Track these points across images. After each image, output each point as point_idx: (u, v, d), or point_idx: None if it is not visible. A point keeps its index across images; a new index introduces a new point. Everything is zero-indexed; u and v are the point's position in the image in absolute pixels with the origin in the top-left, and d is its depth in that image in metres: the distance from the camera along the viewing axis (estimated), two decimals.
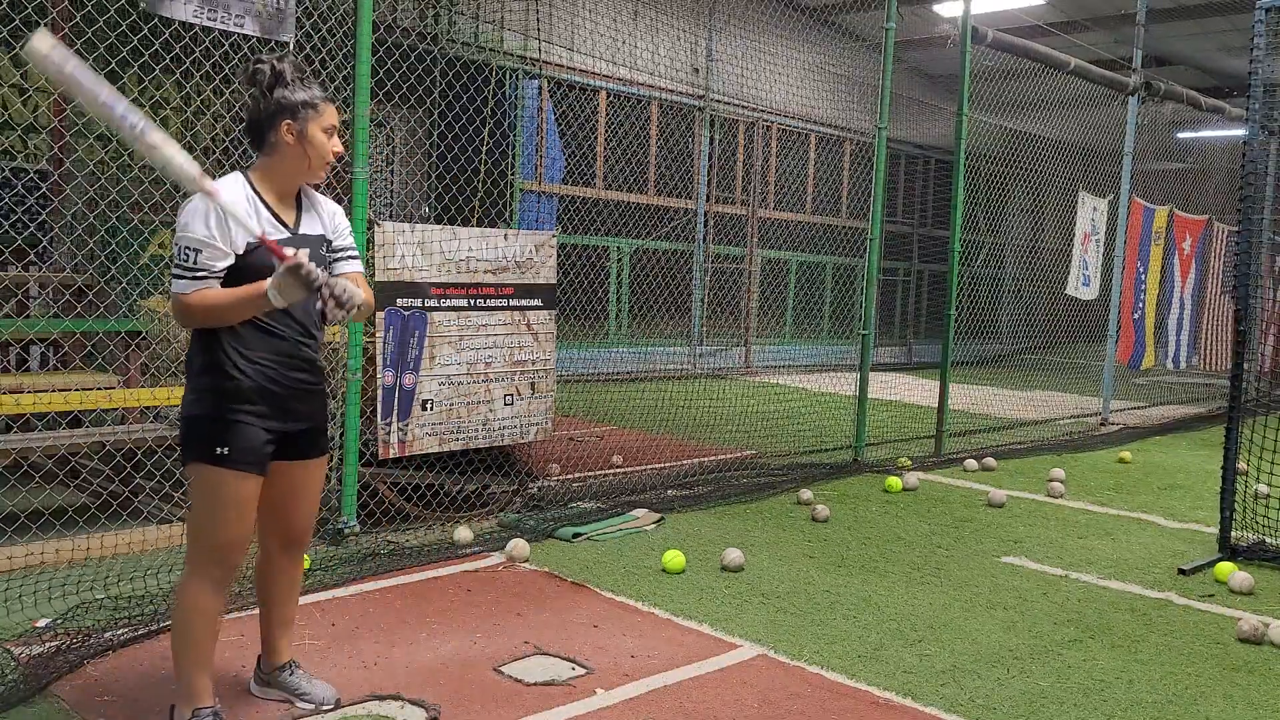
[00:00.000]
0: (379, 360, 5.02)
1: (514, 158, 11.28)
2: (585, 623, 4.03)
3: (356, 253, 3.12)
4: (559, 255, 5.91)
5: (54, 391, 5.20)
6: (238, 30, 4.53)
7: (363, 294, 2.83)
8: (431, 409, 5.22)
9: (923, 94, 16.33)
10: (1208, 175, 13.67)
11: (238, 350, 2.82)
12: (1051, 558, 5.30)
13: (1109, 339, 10.53)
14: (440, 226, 5.30)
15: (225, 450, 2.79)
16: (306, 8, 4.96)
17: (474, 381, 5.41)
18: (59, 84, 2.49)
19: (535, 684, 3.44)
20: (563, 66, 11.02)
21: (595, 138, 12.62)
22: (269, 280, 2.69)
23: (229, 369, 2.81)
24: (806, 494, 6.30)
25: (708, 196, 13.82)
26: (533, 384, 5.68)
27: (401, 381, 5.10)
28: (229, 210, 2.70)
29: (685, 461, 7.19)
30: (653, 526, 5.49)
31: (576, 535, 5.18)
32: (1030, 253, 14.45)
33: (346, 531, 4.88)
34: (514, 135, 11.25)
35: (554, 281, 5.77)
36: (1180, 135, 14.17)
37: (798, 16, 10.85)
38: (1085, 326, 11.76)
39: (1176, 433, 10.28)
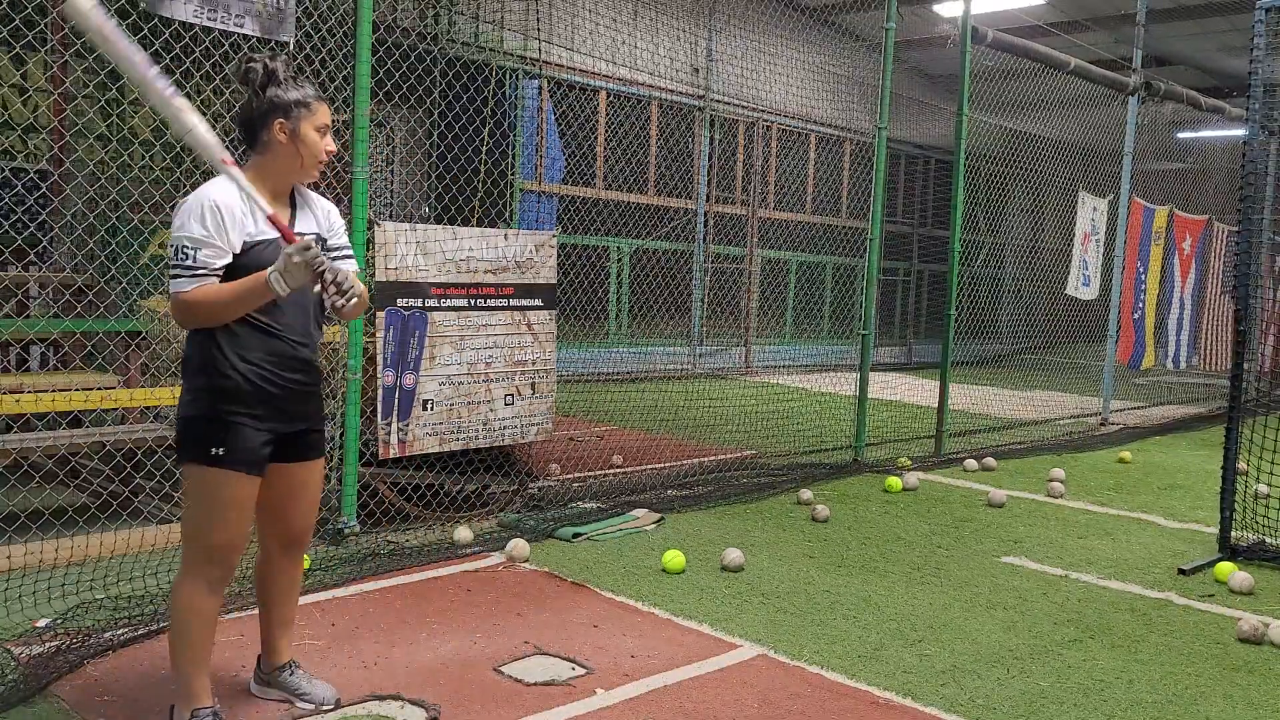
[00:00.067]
0: (379, 360, 5.02)
1: (514, 158, 11.28)
2: (585, 623, 4.03)
3: (351, 252, 3.14)
4: (559, 255, 5.91)
5: (54, 391, 5.20)
6: (238, 30, 4.53)
7: (361, 285, 2.86)
8: (432, 409, 5.22)
9: (923, 94, 16.34)
10: (1208, 175, 13.67)
11: (235, 351, 2.82)
12: (1051, 558, 5.30)
13: (1109, 339, 10.53)
14: (440, 226, 5.30)
15: (221, 451, 2.79)
16: (306, 8, 4.96)
17: (474, 381, 5.41)
18: (96, 41, 2.53)
19: (535, 684, 3.44)
20: (563, 66, 11.02)
21: (595, 138, 12.63)
22: (272, 267, 2.71)
23: (226, 370, 2.81)
24: (806, 494, 6.30)
25: (708, 196, 13.83)
26: (533, 384, 5.68)
27: (402, 381, 5.10)
28: (245, 189, 2.72)
29: (685, 461, 7.19)
30: (653, 526, 5.49)
31: (576, 535, 5.18)
32: (1030, 253, 14.45)
33: (346, 531, 4.88)
34: (514, 135, 11.25)
35: (554, 281, 5.77)
36: (1180, 135, 14.18)
37: (798, 16, 10.86)
38: (1085, 326, 11.76)
39: (1176, 433, 10.28)
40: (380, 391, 5.03)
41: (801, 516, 5.92)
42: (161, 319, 5.65)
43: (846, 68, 12.61)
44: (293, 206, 2.97)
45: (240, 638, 3.64)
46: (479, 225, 8.88)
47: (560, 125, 12.16)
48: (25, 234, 7.37)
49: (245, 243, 2.77)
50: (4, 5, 5.10)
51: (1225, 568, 5.03)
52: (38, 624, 3.66)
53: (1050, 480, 7.06)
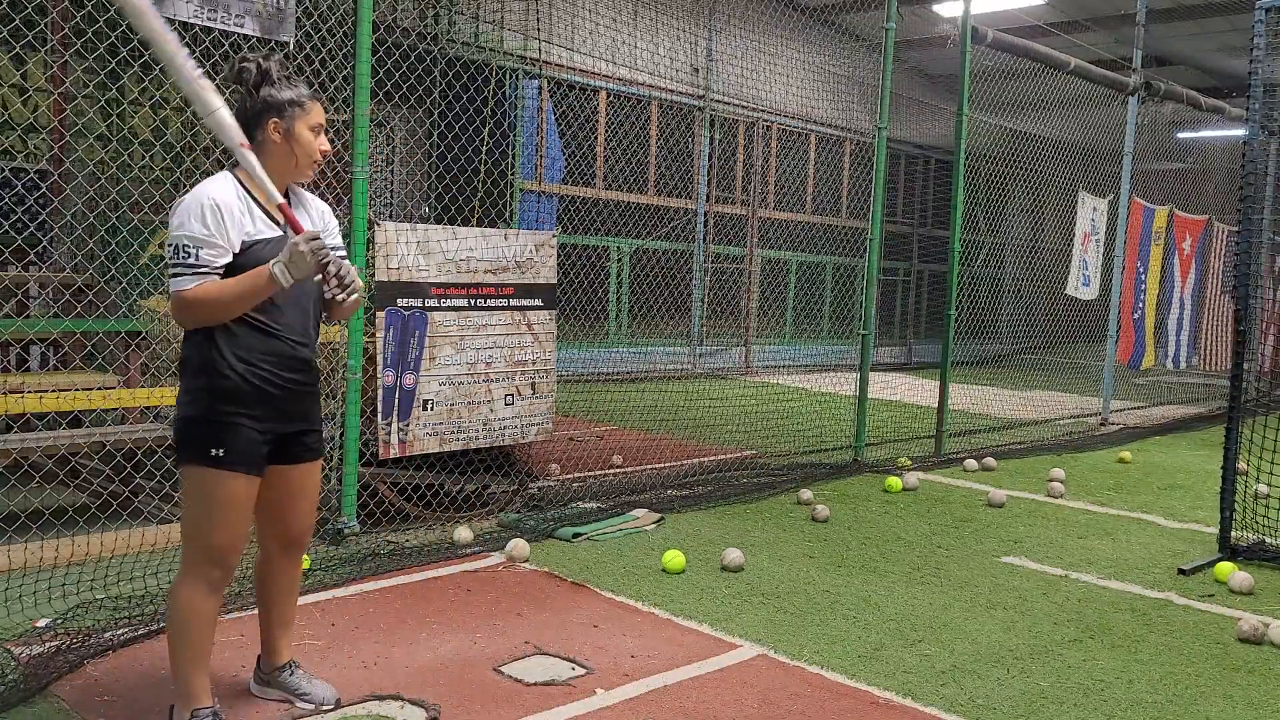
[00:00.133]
0: (379, 360, 5.02)
1: (514, 158, 11.28)
2: (585, 623, 4.03)
3: (345, 252, 3.15)
4: (559, 255, 5.91)
5: (54, 391, 5.20)
6: (238, 30, 4.53)
7: (360, 281, 2.90)
8: (432, 409, 5.22)
9: (923, 94, 16.33)
10: (1208, 175, 13.67)
11: (234, 351, 2.81)
12: (1051, 558, 5.30)
13: (1109, 339, 10.53)
14: (440, 226, 5.30)
15: (221, 452, 2.79)
16: (306, 8, 4.96)
17: (474, 381, 5.41)
18: (129, 13, 2.57)
19: (535, 684, 3.44)
20: (563, 66, 11.02)
21: (595, 138, 12.63)
22: (276, 258, 2.72)
23: (225, 370, 2.81)
24: (806, 494, 6.30)
25: (708, 196, 13.83)
26: (533, 384, 5.68)
27: (402, 381, 5.10)
28: (258, 175, 2.74)
29: (685, 461, 7.19)
30: (653, 526, 5.49)
31: (576, 535, 5.18)
32: (1030, 253, 14.45)
33: (346, 531, 4.88)
34: (514, 135, 11.25)
35: (554, 281, 5.77)
36: (1180, 135, 14.18)
37: (798, 16, 10.86)
38: (1085, 326, 11.76)
39: (1176, 433, 10.28)
40: (380, 391, 5.03)
41: (801, 516, 5.92)
42: (161, 319, 5.65)
43: (846, 68, 12.61)
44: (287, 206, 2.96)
45: (240, 638, 3.64)
46: (479, 225, 8.88)
47: (560, 125, 12.16)
48: (25, 234, 7.37)
49: (244, 242, 2.78)
50: (4, 5, 5.10)
51: (1225, 568, 5.03)
52: (38, 624, 3.66)
53: (1050, 480, 7.06)
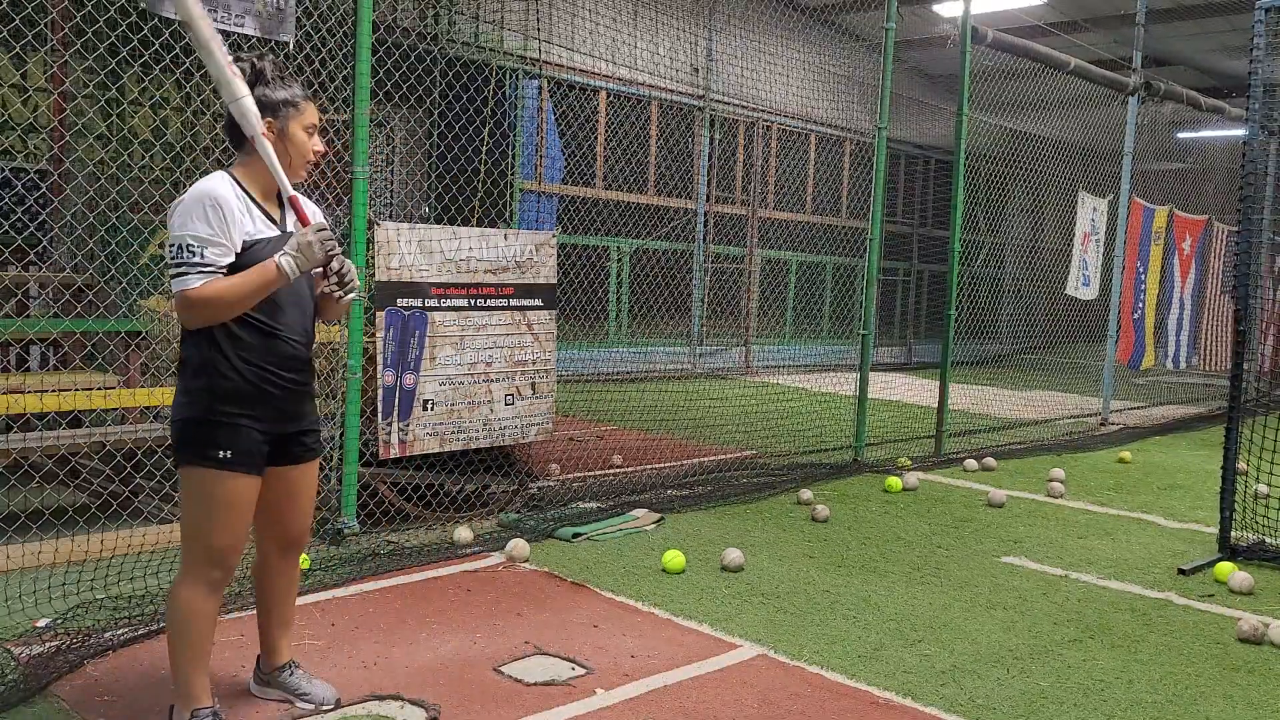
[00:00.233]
0: (379, 360, 5.02)
1: (514, 158, 11.28)
2: (585, 623, 4.03)
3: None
4: (559, 255, 5.91)
5: (54, 391, 5.20)
6: (238, 30, 4.53)
7: (358, 281, 2.95)
8: (432, 409, 5.22)
9: (923, 94, 16.33)
10: (1208, 175, 13.67)
11: (237, 352, 2.81)
12: (1051, 558, 5.30)
13: (1109, 339, 10.53)
14: (440, 226, 5.30)
15: (229, 454, 2.79)
16: (306, 8, 4.96)
17: (474, 381, 5.40)
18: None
19: (535, 684, 3.44)
20: (563, 66, 11.01)
21: (595, 138, 12.62)
22: (281, 251, 2.75)
23: (227, 371, 2.81)
24: (806, 494, 6.30)
25: (708, 196, 13.83)
26: (533, 384, 5.68)
27: (402, 381, 5.10)
28: (272, 165, 2.77)
29: (685, 461, 7.19)
30: (653, 526, 5.49)
31: (576, 535, 5.18)
32: (1030, 253, 14.45)
33: (346, 531, 4.88)
34: (514, 135, 11.25)
35: (554, 281, 5.77)
36: (1180, 135, 14.18)
37: (798, 16, 10.86)
38: (1085, 326, 11.76)
39: (1176, 433, 10.29)
40: (380, 391, 5.03)
41: (801, 516, 5.92)
42: (161, 319, 5.65)
43: (846, 68, 12.61)
44: (281, 206, 2.97)
45: (240, 638, 3.64)
46: (479, 225, 8.88)
47: (560, 125, 12.15)
48: (25, 234, 7.37)
49: (245, 242, 2.78)
50: (4, 5, 5.10)
51: (1225, 568, 5.03)
52: (38, 624, 3.66)
53: (1050, 480, 7.06)
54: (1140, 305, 10.96)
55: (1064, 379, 12.28)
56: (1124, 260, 10.47)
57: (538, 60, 10.42)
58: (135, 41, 4.48)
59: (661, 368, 12.35)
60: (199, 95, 6.64)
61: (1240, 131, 8.03)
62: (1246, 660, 3.98)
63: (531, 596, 4.31)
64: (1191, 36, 15.98)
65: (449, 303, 5.28)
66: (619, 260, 12.84)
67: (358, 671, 3.46)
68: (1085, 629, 4.24)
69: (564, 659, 3.66)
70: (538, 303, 5.68)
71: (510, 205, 11.19)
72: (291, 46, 4.75)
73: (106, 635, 3.59)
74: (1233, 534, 5.46)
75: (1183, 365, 12.19)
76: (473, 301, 5.39)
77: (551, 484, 6.19)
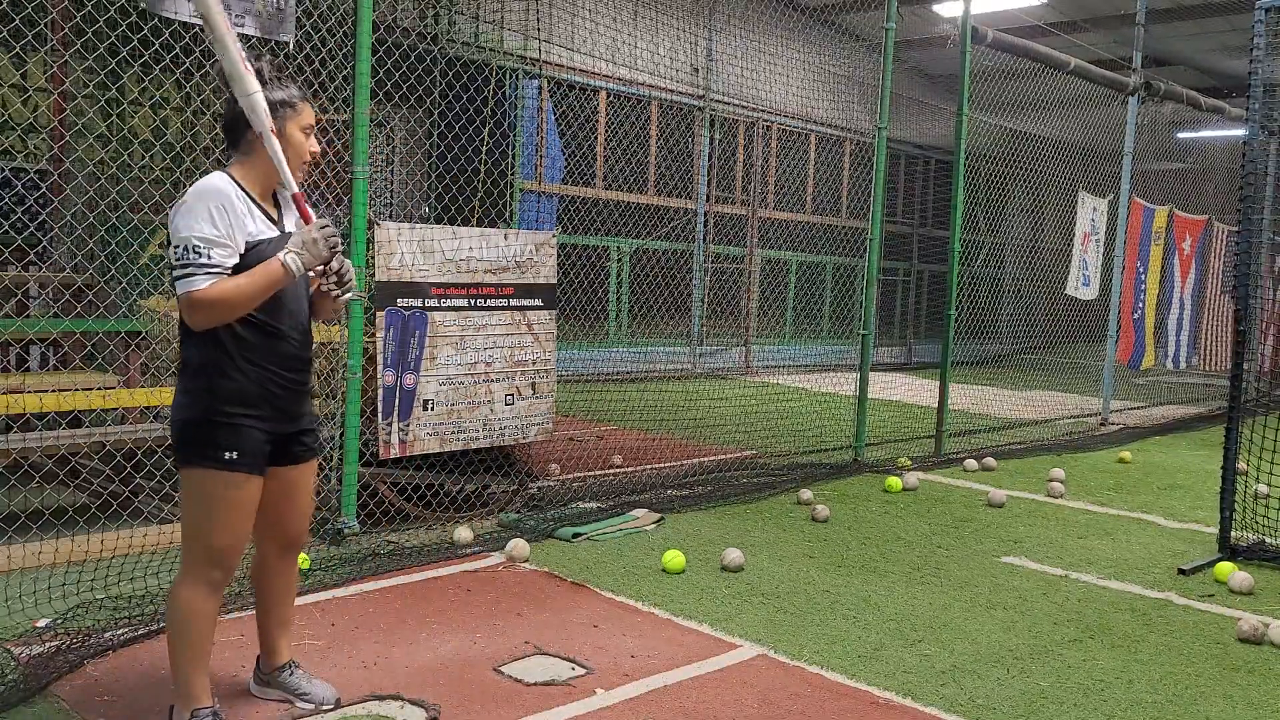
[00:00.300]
0: (379, 360, 5.02)
1: (514, 158, 11.28)
2: (585, 623, 4.03)
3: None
4: (559, 255, 5.91)
5: (54, 391, 5.20)
6: (238, 30, 4.53)
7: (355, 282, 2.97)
8: (432, 409, 5.22)
9: (923, 94, 16.33)
10: (1208, 175, 13.68)
11: (242, 353, 2.81)
12: (1051, 558, 5.30)
13: (1109, 339, 10.53)
14: (440, 226, 5.30)
15: (234, 455, 2.79)
16: (306, 8, 4.96)
17: (475, 382, 5.40)
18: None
19: (535, 684, 3.44)
20: (563, 66, 11.02)
21: (595, 138, 12.62)
22: (285, 249, 2.76)
23: (231, 372, 2.80)
24: (806, 494, 6.30)
25: (708, 196, 13.83)
26: (533, 384, 5.68)
27: (402, 381, 5.10)
28: (278, 161, 2.78)
29: (685, 461, 7.19)
30: (653, 526, 5.49)
31: (576, 535, 5.18)
32: (1030, 253, 14.46)
33: (346, 531, 4.88)
34: (514, 135, 11.25)
35: (554, 281, 5.77)
36: (1180, 135, 14.18)
37: (798, 16, 10.86)
38: (1085, 326, 11.77)
39: (1176, 433, 10.29)
40: (380, 391, 5.03)
41: (801, 516, 5.92)
42: (161, 319, 5.65)
43: (846, 68, 12.61)
44: (278, 206, 2.97)
45: (240, 638, 3.64)
46: (479, 225, 8.89)
47: (560, 125, 12.15)
48: (25, 234, 7.37)
49: (248, 243, 2.78)
50: (4, 5, 5.10)
51: (1225, 568, 5.03)
52: (38, 624, 3.66)
53: (1050, 480, 7.06)
54: (1140, 305, 10.96)
55: (1064, 379, 12.28)
56: (1124, 260, 10.47)
57: (538, 60, 10.42)
58: (135, 41, 4.48)
59: (661, 368, 12.35)
60: (199, 95, 6.64)
61: (1240, 131, 8.03)
62: (1246, 660, 3.98)
63: (531, 596, 4.31)
64: (1191, 36, 15.98)
65: (449, 303, 5.28)
66: (619, 260, 12.84)
67: (358, 671, 3.46)
68: (1085, 629, 4.24)
69: (564, 659, 3.66)
70: (538, 303, 5.68)
71: (510, 205, 11.19)
72: (291, 46, 4.75)
73: (106, 635, 3.59)
74: (1233, 534, 5.46)
75: (1183, 365, 12.19)
76: (473, 301, 5.39)
77: (551, 484, 6.19)
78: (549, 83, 11.51)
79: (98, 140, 7.78)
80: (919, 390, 12.06)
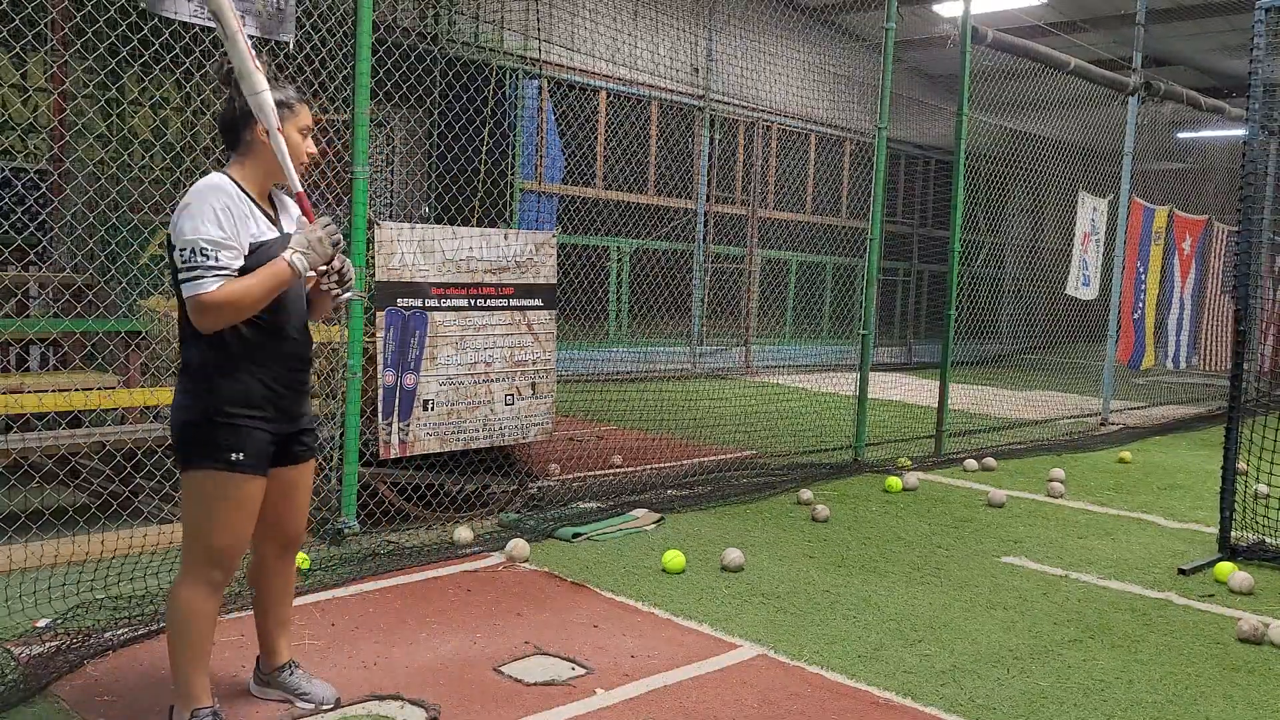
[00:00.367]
0: (379, 360, 5.02)
1: (514, 158, 11.28)
2: (585, 623, 4.03)
3: None
4: (559, 255, 5.91)
5: (54, 391, 5.20)
6: None
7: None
8: (432, 409, 5.22)
9: (923, 94, 16.33)
10: (1208, 175, 13.67)
11: (247, 354, 2.81)
12: (1051, 558, 5.30)
13: (1109, 339, 10.53)
14: (440, 226, 5.30)
15: (240, 455, 2.79)
16: (306, 8, 4.96)
17: (475, 382, 5.40)
18: None
19: (535, 684, 3.44)
20: (563, 66, 11.02)
21: (595, 138, 12.62)
22: (289, 249, 2.77)
23: (237, 373, 2.80)
24: (806, 494, 6.30)
25: (708, 196, 13.83)
26: (533, 384, 5.68)
27: (402, 381, 5.10)
28: (283, 158, 2.79)
29: (685, 461, 7.19)
30: (653, 526, 5.49)
31: (576, 535, 5.18)
32: (1030, 253, 14.46)
33: (346, 531, 4.88)
34: (514, 135, 11.25)
35: (554, 281, 5.77)
36: (1180, 135, 14.18)
37: (798, 16, 10.86)
38: (1085, 326, 11.77)
39: (1176, 433, 10.28)
40: (380, 391, 5.03)
41: (801, 516, 5.92)
42: (161, 319, 5.65)
43: (846, 68, 12.61)
44: (274, 206, 2.97)
45: (240, 638, 3.64)
46: (479, 225, 8.88)
47: (560, 125, 12.15)
48: (25, 234, 7.37)
49: (251, 244, 2.78)
50: (4, 5, 5.10)
51: (1225, 568, 5.03)
52: (38, 624, 3.66)
53: (1050, 480, 7.06)
54: (1140, 305, 10.96)
55: (1064, 379, 12.28)
56: (1124, 260, 10.47)
57: (538, 60, 10.42)
58: (135, 41, 4.48)
59: (661, 368, 12.35)
60: (199, 95, 6.64)
61: (1240, 131, 8.03)
62: (1246, 660, 3.98)
63: (531, 596, 4.31)
64: (1191, 36, 15.98)
65: (449, 303, 5.28)
66: (619, 260, 12.84)
67: (358, 671, 3.46)
68: (1085, 629, 4.24)
69: (564, 659, 3.66)
70: (538, 303, 5.68)
71: (510, 205, 11.19)
72: (291, 46, 4.75)
73: (106, 635, 3.59)
74: (1233, 534, 5.46)
75: (1183, 365, 12.19)
76: (473, 301, 5.39)
77: (551, 484, 6.19)
78: (549, 83, 11.51)
79: (98, 140, 7.79)
80: (919, 390, 12.06)
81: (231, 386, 2.80)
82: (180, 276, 2.69)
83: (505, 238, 5.53)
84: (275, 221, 2.91)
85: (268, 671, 3.21)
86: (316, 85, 5.13)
